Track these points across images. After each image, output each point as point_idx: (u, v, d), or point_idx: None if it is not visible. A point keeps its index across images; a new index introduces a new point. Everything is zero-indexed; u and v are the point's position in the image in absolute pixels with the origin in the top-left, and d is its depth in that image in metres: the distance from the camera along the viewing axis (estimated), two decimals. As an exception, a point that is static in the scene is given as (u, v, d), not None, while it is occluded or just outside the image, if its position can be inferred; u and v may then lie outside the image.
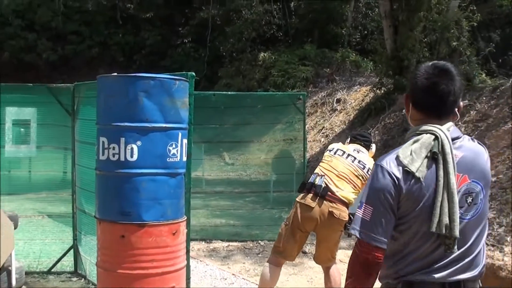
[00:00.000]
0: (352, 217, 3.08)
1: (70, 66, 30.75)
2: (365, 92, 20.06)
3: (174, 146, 4.91)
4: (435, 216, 2.64)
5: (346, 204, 6.01)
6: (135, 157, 4.78)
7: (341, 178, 6.05)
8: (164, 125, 4.85)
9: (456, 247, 2.67)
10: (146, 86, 4.82)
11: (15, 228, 7.17)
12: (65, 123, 8.41)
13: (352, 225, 2.70)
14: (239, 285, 7.85)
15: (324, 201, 5.95)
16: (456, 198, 2.66)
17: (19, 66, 30.83)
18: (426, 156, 2.68)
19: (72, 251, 8.11)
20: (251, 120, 13.65)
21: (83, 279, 7.74)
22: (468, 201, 2.75)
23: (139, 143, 4.78)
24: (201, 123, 9.43)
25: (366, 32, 26.60)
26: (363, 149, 6.39)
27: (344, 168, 6.10)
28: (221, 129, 14.05)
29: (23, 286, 7.38)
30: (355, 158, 6.19)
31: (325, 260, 6.34)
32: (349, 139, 6.61)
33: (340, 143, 6.58)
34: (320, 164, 6.30)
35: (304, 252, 8.85)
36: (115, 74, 5.17)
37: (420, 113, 2.84)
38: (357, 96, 20.30)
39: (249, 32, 26.83)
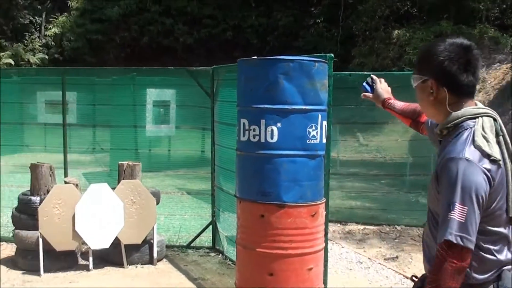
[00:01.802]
0: None
1: (206, 49, 31.50)
2: (505, 70, 19.19)
3: (313, 128, 4.93)
4: (510, 200, 2.56)
5: None
6: (275, 138, 4.85)
7: None
8: (303, 107, 4.88)
9: None
10: (286, 69, 4.86)
11: (157, 204, 7.54)
12: (204, 104, 8.63)
13: (446, 231, 2.43)
14: (375, 269, 7.74)
15: None
16: None
17: (157, 50, 31.99)
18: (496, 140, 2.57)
19: (210, 227, 8.36)
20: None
21: (220, 255, 7.97)
22: None
23: (279, 125, 4.84)
24: (336, 104, 9.40)
25: (505, 6, 25.31)
26: None
27: None
28: (356, 110, 13.92)
29: (164, 259, 7.73)
30: None
31: None
32: None
33: None
34: None
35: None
36: (255, 57, 5.25)
37: (455, 96, 2.66)
38: (497, 75, 19.45)
39: (382, 10, 26.24)
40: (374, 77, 3.48)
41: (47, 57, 32.66)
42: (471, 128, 2.58)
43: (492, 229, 2.56)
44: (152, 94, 11.47)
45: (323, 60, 5.16)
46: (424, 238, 2.82)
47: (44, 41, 33.73)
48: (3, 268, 7.27)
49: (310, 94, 4.93)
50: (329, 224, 9.46)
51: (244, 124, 5.06)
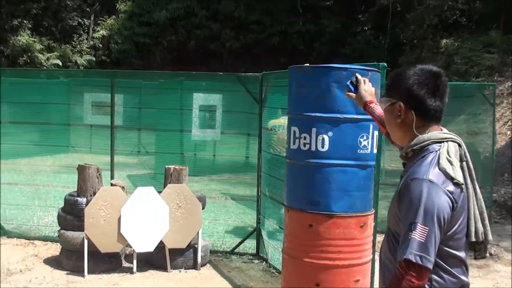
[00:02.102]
0: None
1: (252, 54, 31.58)
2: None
3: (365, 137, 4.86)
4: (471, 224, 2.64)
5: None
6: (326, 147, 4.80)
7: None
8: (355, 116, 4.81)
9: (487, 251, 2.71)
10: (339, 77, 4.80)
11: (202, 209, 7.52)
12: (250, 110, 8.59)
13: (406, 250, 2.45)
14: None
15: None
16: (483, 203, 2.68)
17: (203, 54, 32.18)
18: (459, 165, 2.64)
19: (254, 233, 8.30)
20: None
21: (264, 262, 7.89)
22: None
23: (330, 133, 4.79)
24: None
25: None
26: None
27: None
28: (401, 119, 13.72)
29: (207, 264, 7.69)
30: None
31: None
32: None
33: None
34: None
35: (490, 254, 8.40)
36: (307, 64, 5.20)
37: (422, 119, 2.71)
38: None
39: (430, 18, 25.97)
40: (359, 77, 3.44)
41: (94, 58, 33.08)
42: (436, 151, 2.63)
43: (450, 251, 2.60)
44: (199, 99, 11.47)
45: (376, 69, 5.08)
46: (381, 257, 2.83)
47: (91, 43, 34.19)
48: (47, 267, 7.32)
49: (363, 104, 4.86)
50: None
51: (294, 132, 5.01)
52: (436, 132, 2.71)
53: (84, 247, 6.89)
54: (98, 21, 34.92)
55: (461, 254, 2.64)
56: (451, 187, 2.53)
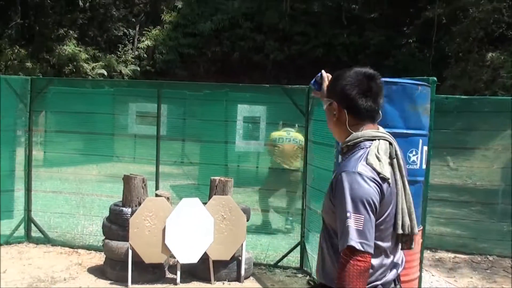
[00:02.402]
0: None
1: (296, 65, 31.54)
2: None
3: (414, 153, 4.80)
4: (398, 218, 2.81)
5: None
6: (374, 162, 4.74)
7: None
8: (405, 131, 4.76)
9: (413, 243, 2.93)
10: (388, 91, 4.73)
11: (247, 221, 7.50)
12: (295, 122, 8.56)
13: (347, 238, 2.59)
14: (466, 300, 7.45)
15: None
16: (411, 198, 2.87)
17: (247, 65, 32.26)
18: (388, 161, 2.82)
19: (298, 247, 8.25)
20: (477, 124, 13.01)
21: (308, 276, 7.84)
22: None
23: (379, 148, 4.73)
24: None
25: None
26: None
27: None
28: (447, 134, 13.52)
29: (251, 277, 7.67)
30: None
31: None
32: None
33: None
34: None
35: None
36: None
37: (355, 118, 2.90)
38: None
39: (476, 31, 25.56)
40: (324, 74, 3.35)
41: (138, 68, 33.39)
42: (367, 148, 2.81)
43: (375, 242, 2.71)
44: (244, 110, 11.46)
45: (426, 84, 5.02)
46: (319, 245, 2.99)
47: (136, 53, 34.53)
48: (91, 276, 7.38)
49: (412, 118, 4.80)
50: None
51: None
52: (369, 130, 2.89)
53: (128, 257, 6.93)
54: (143, 32, 35.28)
55: (384, 244, 2.79)
56: (378, 179, 2.71)
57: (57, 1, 31.13)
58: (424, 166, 4.94)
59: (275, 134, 9.96)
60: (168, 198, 7.36)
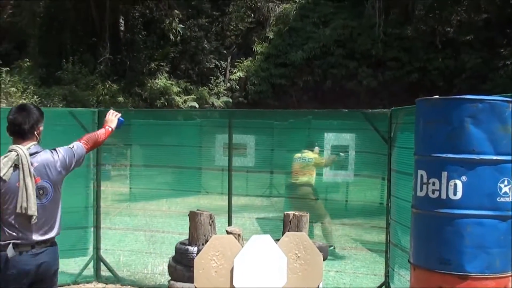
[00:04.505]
0: None
1: (390, 92, 30.67)
2: None
3: (506, 183, 4.07)
4: (18, 202, 4.28)
5: None
6: (459, 195, 4.06)
7: None
8: (494, 157, 4.05)
9: (35, 218, 4.35)
10: (473, 111, 4.07)
11: (324, 260, 6.83)
12: (381, 150, 7.87)
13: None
14: None
15: None
16: (31, 191, 4.30)
17: (340, 93, 31.61)
18: (12, 166, 4.30)
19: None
20: None
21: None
22: (41, 193, 4.43)
23: (464, 178, 4.05)
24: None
25: None
26: None
27: None
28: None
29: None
30: None
31: None
32: None
33: None
34: None
35: None
36: (437, 96, 4.47)
37: (12, 137, 4.49)
38: None
39: None
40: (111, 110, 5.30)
41: (231, 100, 33.36)
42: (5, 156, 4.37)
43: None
44: (330, 139, 10.88)
45: (517, 101, 4.26)
46: None
47: (228, 84, 34.55)
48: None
49: (503, 142, 4.08)
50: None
51: (422, 176, 4.30)
52: (13, 145, 4.42)
53: (195, 299, 6.41)
54: (235, 63, 35.32)
55: (6, 218, 4.35)
56: None
57: (148, 36, 31.60)
58: (519, 199, 4.16)
59: (295, 156, 10.79)
60: (239, 235, 6.78)
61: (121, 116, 5.55)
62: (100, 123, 8.89)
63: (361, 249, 10.59)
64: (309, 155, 10.61)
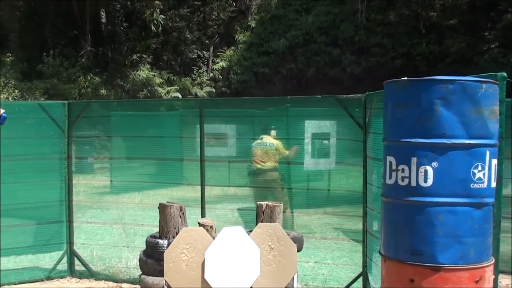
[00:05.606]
0: None
1: (374, 78, 30.48)
2: None
3: (480, 168, 3.86)
4: None
5: None
6: (429, 181, 3.86)
7: None
8: (466, 141, 3.84)
9: None
10: (444, 92, 3.87)
11: (299, 251, 6.64)
12: (358, 137, 7.66)
13: None
14: None
15: None
16: None
17: (324, 80, 31.46)
18: None
19: (360, 278, 7.32)
20: None
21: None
22: None
23: (435, 164, 3.86)
24: (508, 135, 8.06)
25: None
26: None
27: None
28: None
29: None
30: None
31: None
32: None
33: None
34: None
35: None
36: (405, 78, 4.24)
37: None
38: None
39: None
40: None
41: (214, 90, 33.22)
42: None
43: None
44: (311, 126, 10.69)
45: (493, 81, 4.05)
46: None
47: (211, 74, 34.40)
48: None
49: (476, 125, 3.86)
50: (502, 275, 8.07)
51: (390, 163, 4.10)
52: None
53: (165, 294, 6.20)
54: (218, 53, 35.11)
55: None
56: None
57: (130, 27, 31.30)
58: (494, 184, 3.96)
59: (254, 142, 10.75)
60: (211, 227, 6.59)
61: (4, 112, 5.42)
62: (71, 116, 8.66)
63: (342, 238, 10.42)
64: (269, 139, 10.56)
